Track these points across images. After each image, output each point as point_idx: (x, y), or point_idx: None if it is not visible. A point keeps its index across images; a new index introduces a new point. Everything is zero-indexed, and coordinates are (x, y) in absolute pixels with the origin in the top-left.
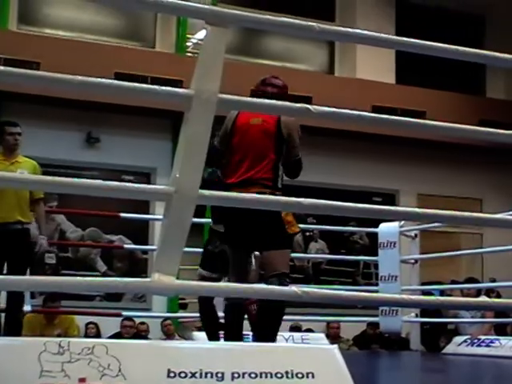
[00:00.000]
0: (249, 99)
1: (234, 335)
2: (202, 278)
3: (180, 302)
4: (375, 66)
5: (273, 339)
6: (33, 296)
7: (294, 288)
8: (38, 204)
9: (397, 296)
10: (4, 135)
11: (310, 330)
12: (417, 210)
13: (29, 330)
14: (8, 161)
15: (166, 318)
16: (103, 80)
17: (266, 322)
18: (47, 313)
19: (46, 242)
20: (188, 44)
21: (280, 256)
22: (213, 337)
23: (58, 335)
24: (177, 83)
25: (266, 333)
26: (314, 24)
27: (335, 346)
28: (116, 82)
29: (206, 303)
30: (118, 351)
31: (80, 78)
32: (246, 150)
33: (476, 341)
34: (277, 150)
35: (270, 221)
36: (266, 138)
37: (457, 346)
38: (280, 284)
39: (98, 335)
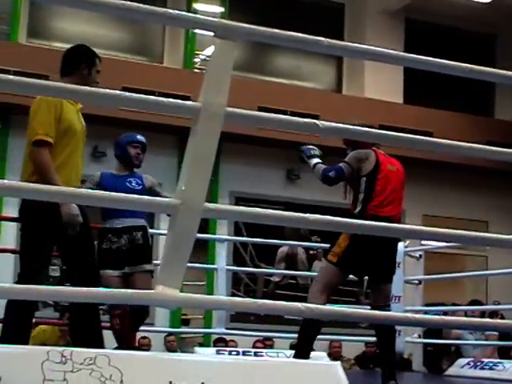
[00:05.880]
0: (257, 113)
1: None
2: (108, 280)
3: (182, 317)
4: (383, 86)
5: None
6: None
7: (297, 304)
8: None
9: (400, 314)
10: (94, 68)
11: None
12: (422, 228)
13: (44, 340)
14: (75, 106)
15: (169, 334)
16: (110, 91)
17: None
18: (58, 324)
19: None
20: (196, 60)
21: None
22: None
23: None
24: (184, 99)
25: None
26: (322, 39)
27: (338, 362)
28: (123, 93)
29: None
30: (120, 362)
31: (87, 88)
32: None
33: (479, 363)
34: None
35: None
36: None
37: (460, 368)
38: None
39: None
